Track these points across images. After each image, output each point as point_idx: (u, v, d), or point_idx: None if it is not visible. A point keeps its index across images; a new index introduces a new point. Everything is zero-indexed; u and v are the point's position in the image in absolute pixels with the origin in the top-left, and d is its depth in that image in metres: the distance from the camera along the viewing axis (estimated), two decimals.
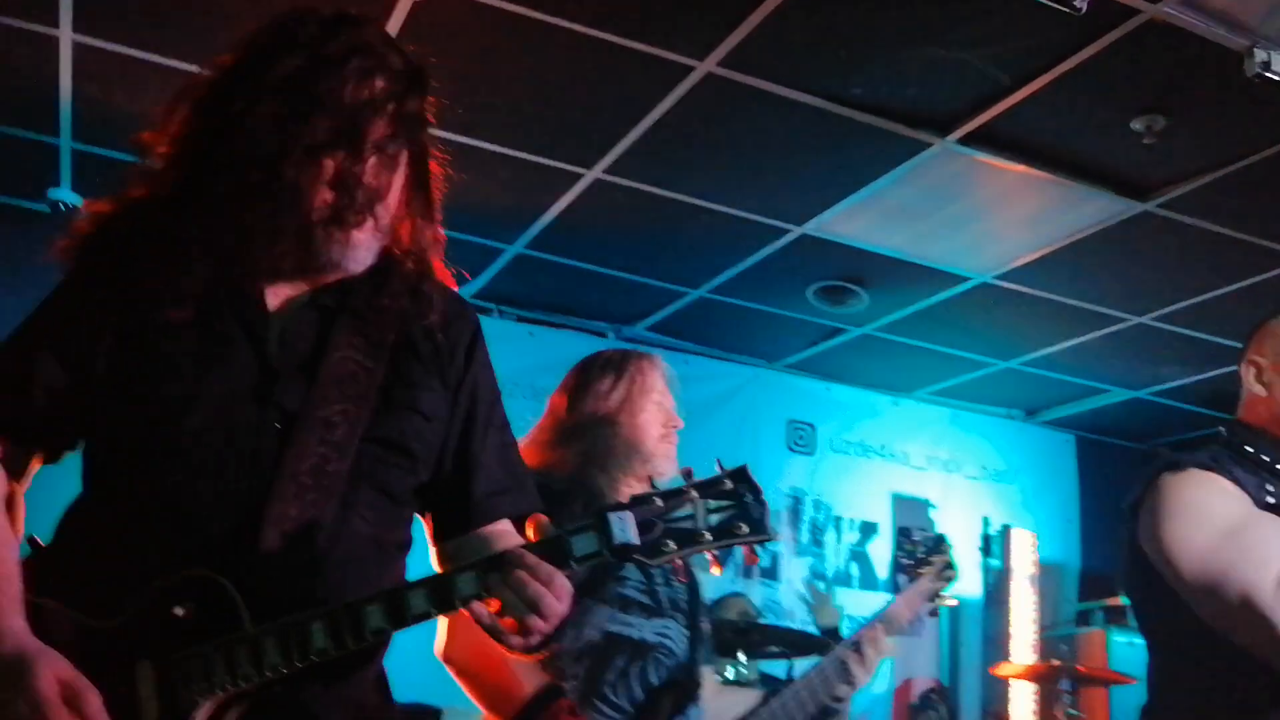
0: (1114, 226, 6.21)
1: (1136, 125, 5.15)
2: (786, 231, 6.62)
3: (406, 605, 1.90)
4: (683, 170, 6.01)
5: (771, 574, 8.45)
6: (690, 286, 7.56)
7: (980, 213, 6.26)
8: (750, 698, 3.68)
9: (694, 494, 1.92)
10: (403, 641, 2.13)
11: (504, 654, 2.99)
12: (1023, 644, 8.89)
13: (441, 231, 2.28)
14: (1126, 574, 2.87)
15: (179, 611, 1.89)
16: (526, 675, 2.98)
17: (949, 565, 4.10)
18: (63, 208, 6.45)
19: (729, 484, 1.94)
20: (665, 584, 3.28)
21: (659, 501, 1.92)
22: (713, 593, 7.53)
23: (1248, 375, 2.85)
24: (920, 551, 4.16)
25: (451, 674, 3.07)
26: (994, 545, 8.81)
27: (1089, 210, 6.08)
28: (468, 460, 2.26)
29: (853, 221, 6.43)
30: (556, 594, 1.89)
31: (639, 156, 5.81)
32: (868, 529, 8.97)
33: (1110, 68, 4.78)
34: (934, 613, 4.15)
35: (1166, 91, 4.95)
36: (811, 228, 6.54)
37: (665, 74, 5.09)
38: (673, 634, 3.24)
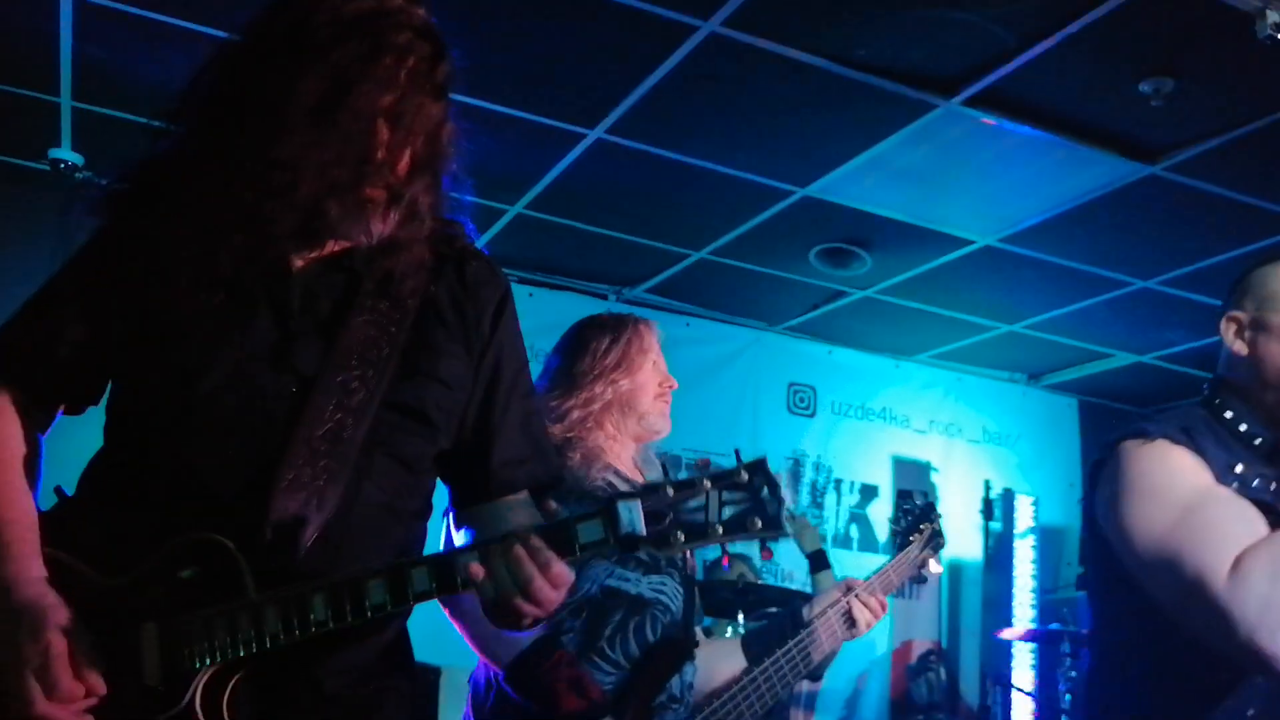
0: (1120, 190, 6.17)
1: (1144, 87, 5.11)
2: (789, 193, 6.58)
3: (409, 583, 1.88)
4: (685, 131, 5.96)
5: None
6: (692, 248, 7.53)
7: (985, 175, 6.22)
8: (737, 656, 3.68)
9: (707, 485, 1.86)
10: None
11: None
12: (1023, 607, 8.92)
13: (463, 197, 2.30)
14: (1082, 539, 2.80)
15: (185, 574, 1.90)
16: None
17: (937, 534, 4.09)
18: (63, 167, 6.43)
19: (745, 476, 1.87)
20: None
21: (670, 491, 1.86)
22: (712, 553, 7.54)
23: (1227, 332, 2.74)
24: (909, 519, 4.13)
25: (447, 614, 3.05)
26: (995, 509, 8.81)
27: (1095, 173, 6.04)
28: (488, 428, 2.23)
29: (856, 184, 6.39)
30: (552, 581, 1.86)
31: (641, 117, 5.77)
32: (868, 491, 8.99)
33: (1118, 29, 4.72)
34: (921, 580, 4.15)
35: (1175, 53, 4.90)
36: (814, 190, 6.49)
37: (668, 34, 5.03)
38: (668, 590, 3.25)
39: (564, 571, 1.86)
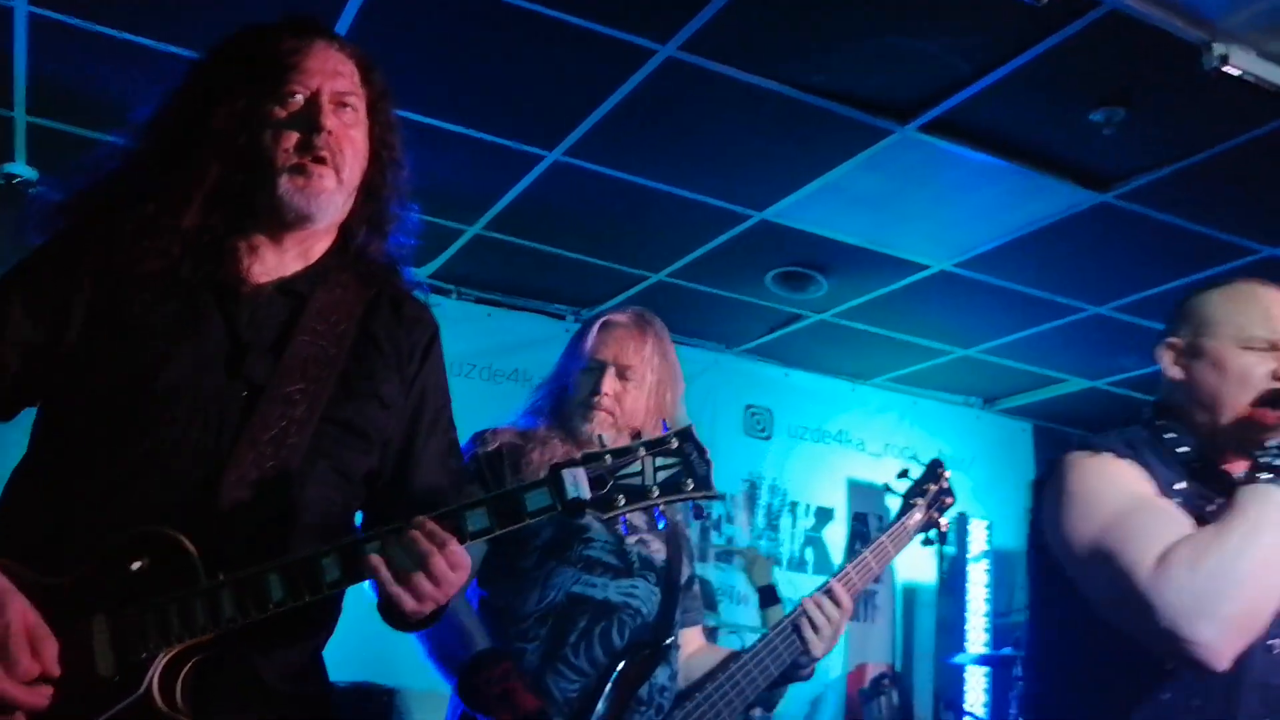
0: (1073, 217, 6.24)
1: (1096, 117, 5.17)
2: (746, 217, 6.61)
3: (361, 558, 1.95)
4: (643, 154, 5.99)
5: (727, 558, 8.46)
6: (650, 270, 7.55)
7: (940, 201, 6.28)
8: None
9: (642, 451, 2.01)
10: (359, 623, 2.17)
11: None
12: (976, 631, 8.95)
13: (412, 218, 2.41)
14: (1026, 552, 2.81)
15: (136, 566, 1.93)
16: (475, 638, 3.00)
17: (945, 492, 3.92)
18: (16, 182, 6.38)
19: (675, 443, 2.03)
20: (638, 542, 3.26)
21: (609, 459, 2.00)
22: None
23: (1164, 359, 2.80)
24: (914, 482, 3.91)
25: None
26: (949, 532, 8.82)
27: (1048, 200, 6.10)
28: (411, 456, 2.35)
29: (813, 208, 6.43)
30: (449, 560, 1.94)
31: (599, 140, 5.79)
32: (823, 514, 9.00)
33: (1070, 59, 4.79)
34: (929, 541, 3.98)
35: (1126, 84, 4.97)
36: (771, 214, 6.53)
37: (626, 57, 5.07)
38: (640, 593, 3.19)
39: (461, 553, 1.96)
